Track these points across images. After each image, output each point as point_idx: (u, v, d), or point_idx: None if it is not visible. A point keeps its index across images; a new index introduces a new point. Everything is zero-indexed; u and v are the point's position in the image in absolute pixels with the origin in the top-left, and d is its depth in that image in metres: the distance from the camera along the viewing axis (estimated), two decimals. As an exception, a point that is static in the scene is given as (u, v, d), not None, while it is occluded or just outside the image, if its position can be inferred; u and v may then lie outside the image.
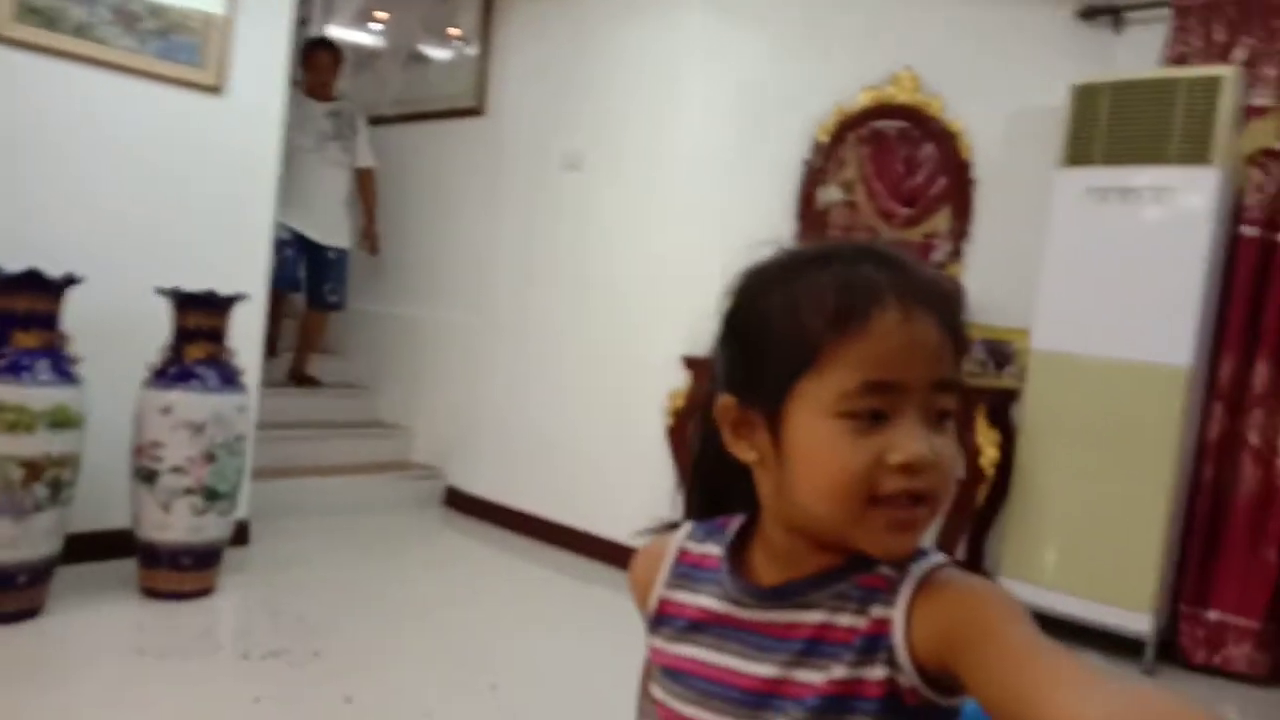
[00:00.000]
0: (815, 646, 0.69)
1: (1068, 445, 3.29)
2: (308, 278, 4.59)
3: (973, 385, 3.46)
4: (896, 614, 0.67)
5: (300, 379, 4.73)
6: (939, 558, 0.71)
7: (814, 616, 0.70)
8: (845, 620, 0.69)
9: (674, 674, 0.77)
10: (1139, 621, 3.10)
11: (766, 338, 0.71)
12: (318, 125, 4.46)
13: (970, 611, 0.65)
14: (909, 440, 0.66)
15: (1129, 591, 3.12)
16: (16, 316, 2.58)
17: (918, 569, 0.69)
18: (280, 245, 3.95)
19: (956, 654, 0.63)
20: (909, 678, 0.66)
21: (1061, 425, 3.31)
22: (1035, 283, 3.36)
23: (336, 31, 5.58)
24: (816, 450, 0.67)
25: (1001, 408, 3.56)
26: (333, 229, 4.55)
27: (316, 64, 4.58)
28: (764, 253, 0.77)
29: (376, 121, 5.21)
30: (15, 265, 2.58)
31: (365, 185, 4.70)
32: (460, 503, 4.49)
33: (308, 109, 4.42)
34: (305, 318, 4.76)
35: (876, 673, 0.67)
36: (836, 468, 0.66)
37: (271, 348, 4.32)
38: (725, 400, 0.73)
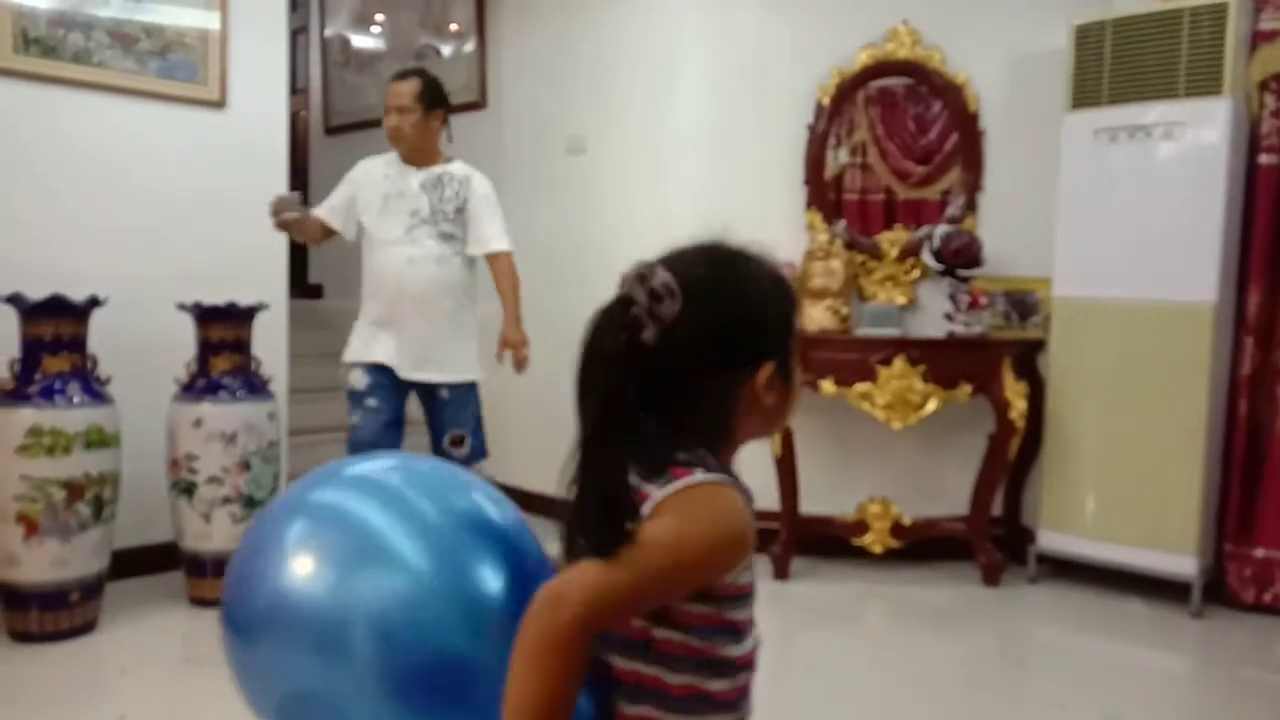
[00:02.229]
0: None
1: (1097, 392, 3.26)
2: (427, 421, 3.10)
3: (997, 338, 3.43)
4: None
5: None
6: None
7: None
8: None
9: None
10: (1184, 565, 3.07)
11: (764, 317, 0.95)
12: (407, 203, 2.93)
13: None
14: None
15: (1171, 535, 3.09)
16: (44, 342, 2.64)
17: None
18: (360, 393, 2.90)
19: None
20: None
21: (1089, 372, 3.28)
22: (1052, 231, 3.33)
23: (335, 34, 5.60)
24: (797, 387, 0.97)
25: (1027, 359, 3.53)
26: (438, 356, 2.97)
27: (399, 104, 3.03)
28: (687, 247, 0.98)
29: (380, 123, 5.24)
30: (38, 292, 2.63)
31: (500, 276, 3.08)
32: (495, 494, 4.53)
33: (389, 176, 3.00)
34: None
35: None
36: (800, 394, 1.00)
37: None
38: (768, 367, 0.92)
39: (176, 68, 3.25)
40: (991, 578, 3.35)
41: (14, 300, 2.62)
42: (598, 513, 0.85)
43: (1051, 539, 3.36)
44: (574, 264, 4.12)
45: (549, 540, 1.00)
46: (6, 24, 2.90)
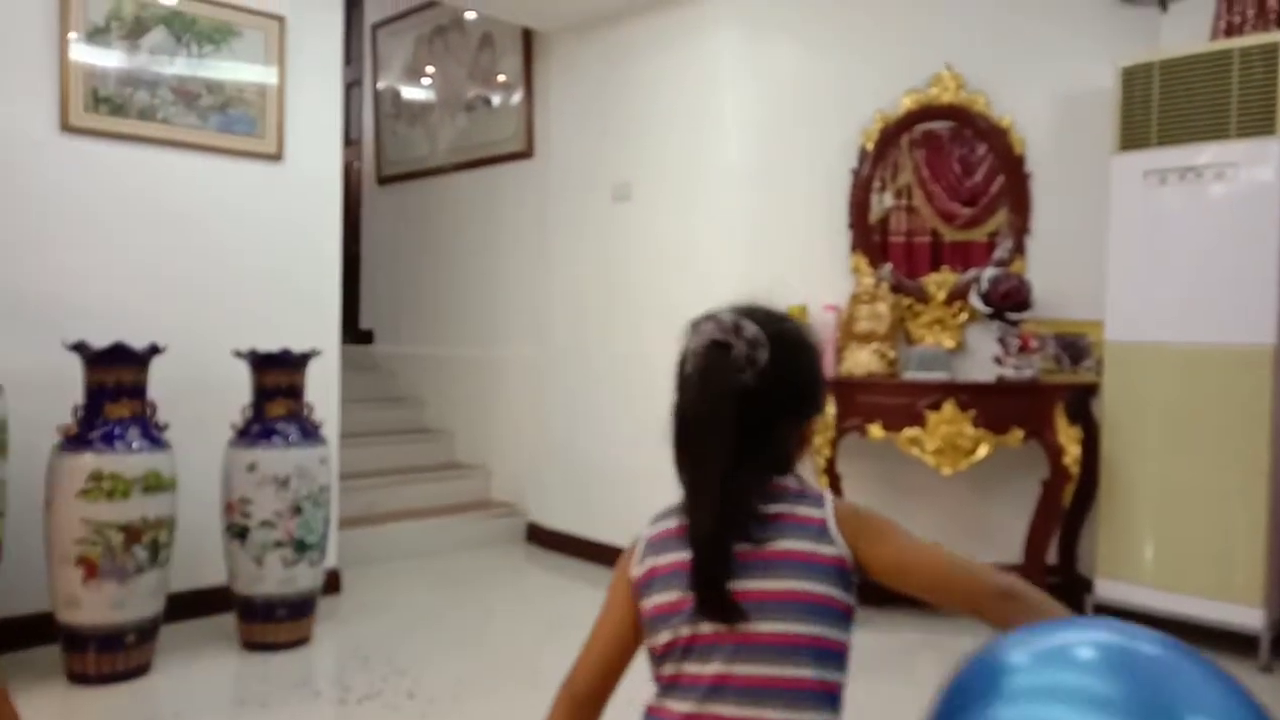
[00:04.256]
0: None
1: (1154, 437, 3.19)
2: None
3: (1048, 382, 3.38)
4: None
5: None
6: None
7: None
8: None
9: None
10: (1250, 617, 2.97)
11: (822, 371, 1.16)
12: None
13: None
14: None
15: (1236, 585, 2.99)
16: (107, 389, 2.71)
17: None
18: None
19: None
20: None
21: (1145, 417, 3.21)
22: (1103, 273, 3.29)
23: (387, 87, 5.75)
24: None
25: (1080, 403, 3.47)
26: None
27: None
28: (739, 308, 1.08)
29: (432, 173, 5.37)
30: (101, 339, 2.72)
31: None
32: (542, 538, 4.54)
33: None
34: None
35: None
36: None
37: None
38: (824, 416, 1.14)
39: (236, 122, 3.36)
40: (1047, 627, 3.26)
41: (79, 348, 2.71)
42: (742, 526, 1.01)
43: (1109, 588, 3.27)
44: (619, 310, 4.15)
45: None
46: (79, 84, 3.03)
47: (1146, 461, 3.21)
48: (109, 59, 3.09)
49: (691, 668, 1.01)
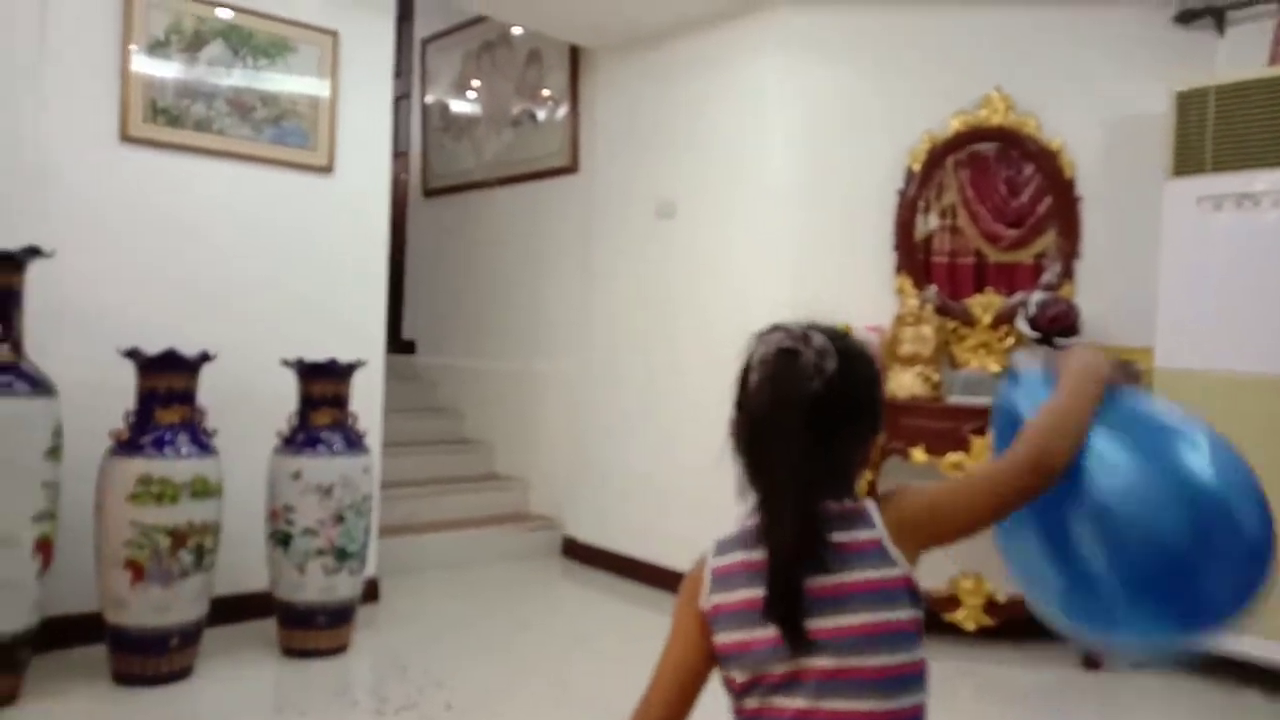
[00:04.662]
0: None
1: (1203, 465, 3.12)
2: None
3: (1095, 408, 3.33)
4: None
5: None
6: None
7: None
8: None
9: None
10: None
11: (882, 385, 1.18)
12: None
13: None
14: None
15: (1285, 620, 2.91)
16: (158, 395, 2.77)
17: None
18: None
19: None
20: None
21: (1194, 445, 3.14)
22: (1154, 299, 3.24)
23: (435, 101, 5.82)
24: None
25: (1128, 430, 3.41)
26: None
27: None
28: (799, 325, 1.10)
29: (477, 186, 5.41)
30: (153, 346, 2.77)
31: None
32: (578, 552, 4.55)
33: None
34: None
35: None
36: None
37: None
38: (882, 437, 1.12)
39: (289, 134, 3.42)
40: (1092, 661, 3.20)
41: (132, 354, 2.76)
42: (818, 557, 1.01)
43: (1157, 621, 3.19)
44: (659, 326, 4.16)
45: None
46: (139, 95, 3.11)
47: (1196, 492, 3.13)
48: (168, 70, 3.17)
49: (777, 701, 1.01)
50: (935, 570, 3.39)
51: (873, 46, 3.71)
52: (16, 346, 2.54)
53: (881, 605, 1.01)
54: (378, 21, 3.64)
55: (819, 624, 1.00)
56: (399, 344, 5.90)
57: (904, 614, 1.02)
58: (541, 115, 5.01)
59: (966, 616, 3.30)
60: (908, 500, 1.07)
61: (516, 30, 5.06)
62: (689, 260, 4.04)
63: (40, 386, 2.55)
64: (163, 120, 3.17)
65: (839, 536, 1.03)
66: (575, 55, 4.71)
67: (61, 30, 2.97)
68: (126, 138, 3.09)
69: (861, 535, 1.03)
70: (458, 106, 5.67)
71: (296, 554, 2.97)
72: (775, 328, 1.09)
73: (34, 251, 2.57)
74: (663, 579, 4.00)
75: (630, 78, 4.39)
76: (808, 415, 1.04)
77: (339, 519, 3.00)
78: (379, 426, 3.63)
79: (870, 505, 1.06)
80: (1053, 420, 1.07)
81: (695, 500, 3.84)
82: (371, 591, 3.58)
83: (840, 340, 1.08)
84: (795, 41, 3.72)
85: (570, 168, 4.76)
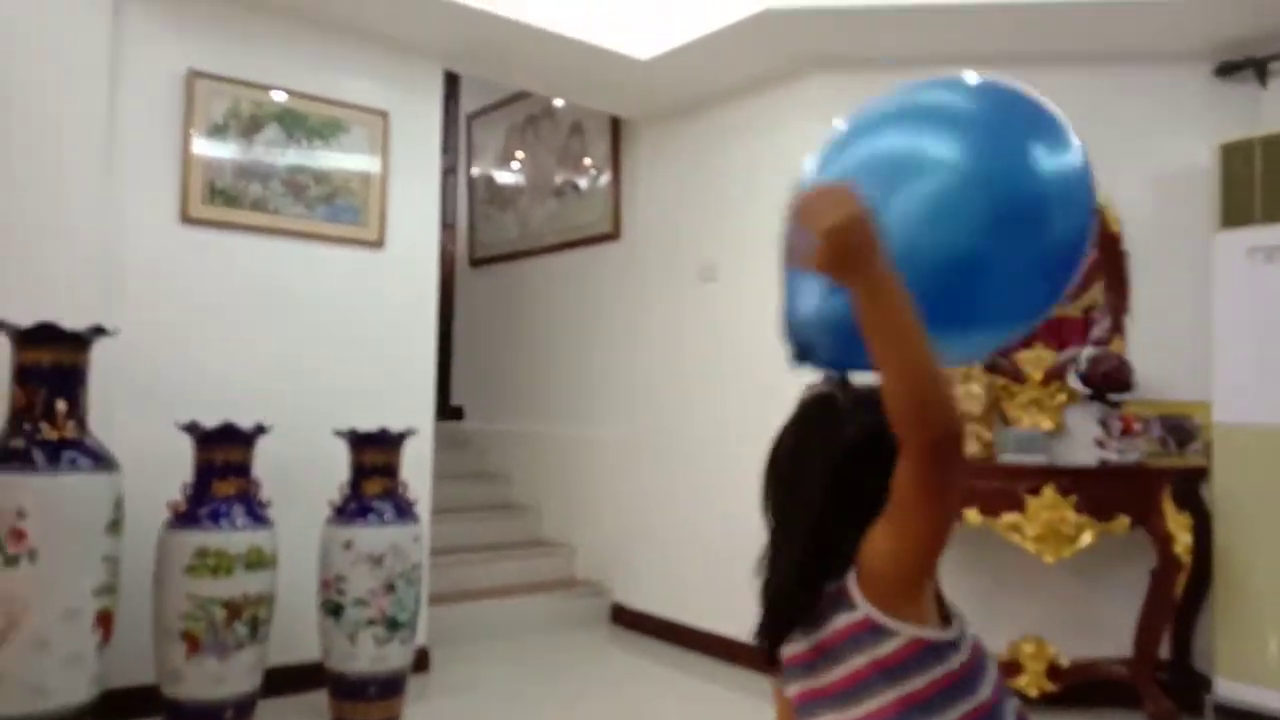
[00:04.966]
0: None
1: (1271, 524, 3.03)
2: None
3: (1154, 466, 3.25)
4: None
5: None
6: None
7: None
8: None
9: None
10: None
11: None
12: None
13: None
14: None
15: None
16: (215, 467, 2.82)
17: None
18: None
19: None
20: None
21: (1260, 502, 3.06)
22: (1207, 353, 3.18)
23: (481, 173, 5.97)
24: None
25: (1189, 489, 3.32)
26: None
27: None
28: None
29: (522, 255, 5.51)
30: (209, 419, 2.84)
31: None
32: (626, 619, 4.50)
33: None
34: None
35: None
36: None
37: None
38: None
39: (341, 211, 3.52)
40: (1162, 727, 3.08)
41: (190, 428, 2.83)
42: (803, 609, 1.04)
43: (1232, 689, 3.07)
44: (704, 389, 4.16)
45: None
46: (199, 178, 3.23)
47: (1264, 550, 3.04)
48: (226, 153, 3.29)
49: None
50: (995, 633, 3.30)
51: (911, 109, 3.74)
52: (81, 423, 2.62)
53: (850, 655, 1.03)
54: (426, 101, 3.76)
55: (794, 689, 1.08)
56: (448, 410, 5.96)
57: (865, 657, 1.02)
58: (584, 184, 5.10)
59: (1029, 683, 3.19)
60: (863, 555, 1.01)
61: (558, 103, 5.19)
62: (733, 324, 4.06)
63: (103, 461, 2.61)
64: (220, 201, 3.29)
65: (823, 632, 1.04)
66: (616, 126, 4.81)
67: (130, 119, 3.11)
68: (186, 219, 3.21)
69: (841, 623, 1.03)
70: (503, 178, 5.80)
71: (348, 624, 2.98)
72: (826, 379, 1.13)
73: (99, 331, 2.66)
74: (711, 645, 3.94)
75: (670, 146, 4.47)
76: (835, 462, 1.04)
77: (390, 588, 3.01)
78: (428, 494, 3.66)
79: (850, 578, 1.03)
80: (889, 371, 0.92)
81: (745, 564, 3.79)
82: (422, 661, 3.57)
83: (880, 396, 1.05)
84: (833, 108, 3.75)
85: (613, 234, 4.83)
